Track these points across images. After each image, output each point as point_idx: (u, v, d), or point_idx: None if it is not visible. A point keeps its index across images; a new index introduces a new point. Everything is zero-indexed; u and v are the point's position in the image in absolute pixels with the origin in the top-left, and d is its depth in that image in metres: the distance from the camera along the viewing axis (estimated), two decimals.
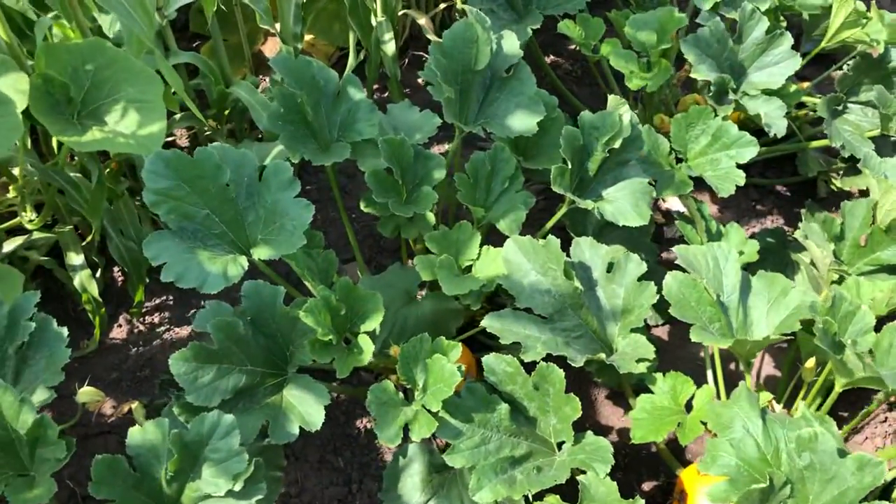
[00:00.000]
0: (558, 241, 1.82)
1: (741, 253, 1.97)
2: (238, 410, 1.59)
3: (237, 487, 1.45)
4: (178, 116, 2.31)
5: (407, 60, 2.94)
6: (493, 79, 2.00)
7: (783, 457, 1.42)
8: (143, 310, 2.29)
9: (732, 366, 2.25)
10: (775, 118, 2.10)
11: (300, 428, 1.60)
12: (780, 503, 1.41)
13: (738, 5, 2.18)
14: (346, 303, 1.68)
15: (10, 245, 2.08)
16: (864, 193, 2.47)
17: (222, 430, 1.46)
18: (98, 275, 2.21)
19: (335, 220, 2.52)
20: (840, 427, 1.91)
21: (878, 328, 1.68)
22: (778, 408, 1.83)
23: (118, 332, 2.26)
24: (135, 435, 1.47)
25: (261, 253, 1.69)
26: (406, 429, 1.61)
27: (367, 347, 1.66)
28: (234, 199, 1.70)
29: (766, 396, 1.80)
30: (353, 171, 2.61)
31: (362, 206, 1.96)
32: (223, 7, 2.46)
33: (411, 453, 1.78)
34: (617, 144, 1.89)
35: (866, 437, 2.14)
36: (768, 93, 2.15)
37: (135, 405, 1.73)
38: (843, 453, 1.41)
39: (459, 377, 1.58)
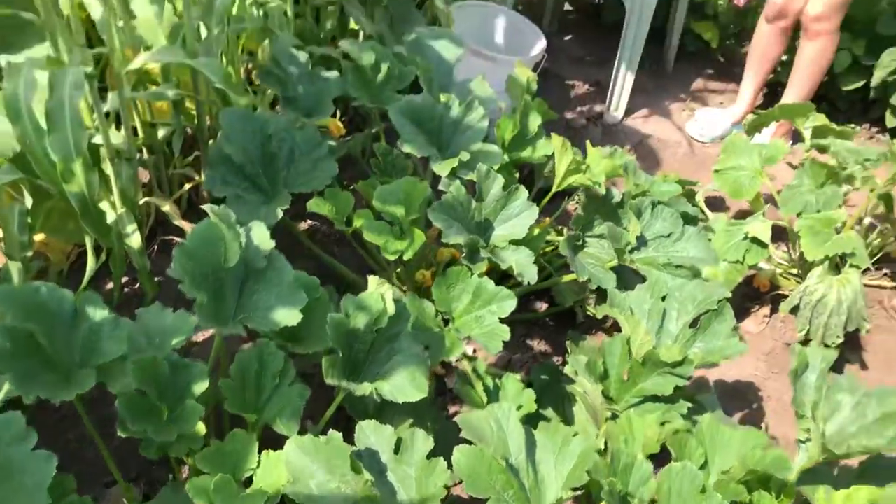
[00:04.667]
0: (340, 434, 1.74)
1: (519, 407, 2.00)
2: None
3: None
4: None
5: (156, 247, 2.80)
6: (247, 272, 1.92)
7: None
8: None
9: None
10: (525, 266, 2.20)
11: None
12: None
13: (474, 167, 2.30)
14: None
15: None
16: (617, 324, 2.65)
17: None
18: None
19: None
20: None
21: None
22: None
23: None
24: None
25: None
26: None
27: None
28: None
29: None
30: None
31: (119, 432, 1.76)
32: None
33: None
34: (384, 324, 1.88)
35: None
36: (515, 243, 2.26)
37: None
38: None
39: None
